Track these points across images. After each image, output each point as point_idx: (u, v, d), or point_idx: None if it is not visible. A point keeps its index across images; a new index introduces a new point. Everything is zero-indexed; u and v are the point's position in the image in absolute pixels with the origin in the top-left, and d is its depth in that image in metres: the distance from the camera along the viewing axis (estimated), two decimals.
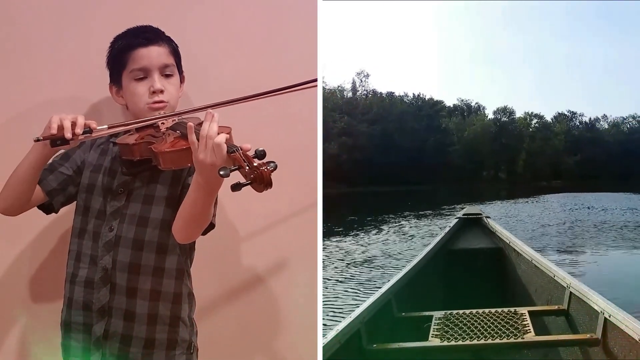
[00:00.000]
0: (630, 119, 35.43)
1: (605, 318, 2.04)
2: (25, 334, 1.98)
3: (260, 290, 2.03)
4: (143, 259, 1.64)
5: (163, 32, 1.74)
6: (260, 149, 1.37)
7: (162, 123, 1.62)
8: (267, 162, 1.35)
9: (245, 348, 2.02)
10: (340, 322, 1.95)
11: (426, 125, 31.80)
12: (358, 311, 2.10)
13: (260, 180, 1.32)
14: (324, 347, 1.82)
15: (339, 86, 30.06)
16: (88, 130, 1.49)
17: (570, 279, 2.47)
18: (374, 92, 32.38)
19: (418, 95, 33.89)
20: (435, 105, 33.79)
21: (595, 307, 2.14)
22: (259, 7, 2.03)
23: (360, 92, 32.10)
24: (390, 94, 32.67)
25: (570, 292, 2.39)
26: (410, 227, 9.98)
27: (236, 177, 1.34)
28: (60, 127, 1.47)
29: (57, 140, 1.48)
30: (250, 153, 1.38)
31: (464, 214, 3.83)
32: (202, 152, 1.40)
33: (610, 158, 32.32)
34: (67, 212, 1.81)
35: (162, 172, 1.65)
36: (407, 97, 33.60)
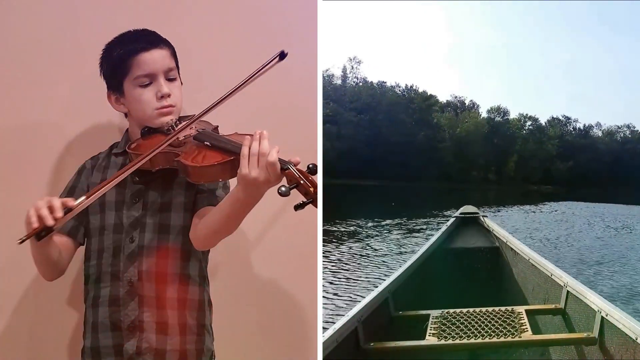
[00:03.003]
0: (625, 128, 35.40)
1: (602, 317, 2.04)
2: None
3: (259, 290, 2.02)
4: (169, 267, 1.60)
5: (160, 35, 1.69)
6: (313, 164, 1.36)
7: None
8: None
9: (245, 347, 2.01)
10: None
11: (417, 118, 30.85)
12: (355, 310, 2.10)
13: None
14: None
15: (327, 70, 28.62)
16: (68, 209, 1.42)
17: (567, 277, 2.47)
18: (365, 80, 31.42)
19: (411, 87, 32.82)
20: (428, 99, 32.71)
21: (592, 306, 2.14)
22: (259, 6, 2.03)
23: (350, 78, 31.23)
24: (382, 84, 31.52)
25: (567, 291, 2.40)
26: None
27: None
28: (40, 218, 1.41)
29: (41, 232, 1.41)
30: (302, 167, 1.36)
31: (460, 213, 3.83)
32: (253, 169, 1.37)
33: (603, 166, 32.16)
34: None
35: (176, 178, 1.61)
36: (399, 87, 32.49)
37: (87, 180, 1.69)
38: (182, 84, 1.70)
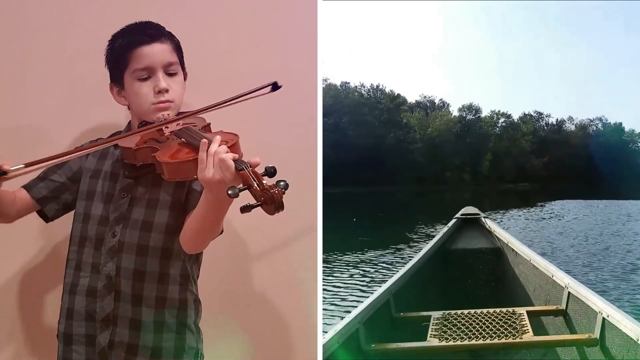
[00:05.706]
0: (597, 121, 34.89)
1: (603, 318, 2.04)
2: (21, 348, 1.95)
3: (258, 290, 2.03)
4: (148, 265, 1.59)
5: (164, 28, 1.67)
6: (270, 166, 1.32)
7: (166, 127, 1.56)
8: (277, 182, 1.29)
9: (244, 348, 2.01)
10: None
11: (385, 119, 29.39)
12: (356, 311, 2.10)
13: (271, 202, 1.27)
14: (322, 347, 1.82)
15: None
16: (2, 172, 1.38)
17: (569, 279, 2.47)
18: (326, 81, 30.26)
19: (377, 87, 31.37)
20: (395, 99, 31.31)
21: (594, 307, 2.14)
22: (259, 6, 2.03)
23: None
24: (345, 84, 30.05)
25: (569, 292, 2.40)
26: None
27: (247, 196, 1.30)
28: None
29: None
30: (260, 169, 1.33)
31: (462, 214, 3.83)
32: (209, 169, 1.36)
33: (579, 161, 31.68)
34: (62, 219, 1.78)
35: None
36: (364, 87, 31.07)
37: (80, 160, 1.68)
38: (185, 79, 1.68)
